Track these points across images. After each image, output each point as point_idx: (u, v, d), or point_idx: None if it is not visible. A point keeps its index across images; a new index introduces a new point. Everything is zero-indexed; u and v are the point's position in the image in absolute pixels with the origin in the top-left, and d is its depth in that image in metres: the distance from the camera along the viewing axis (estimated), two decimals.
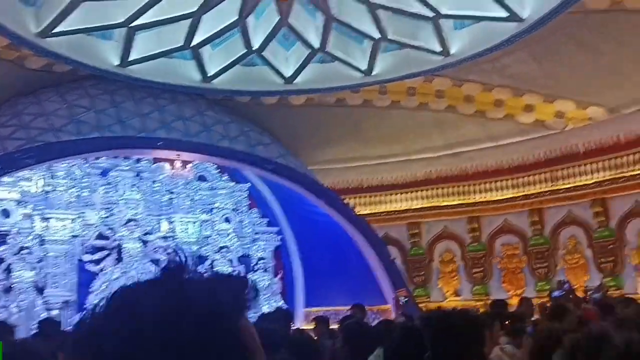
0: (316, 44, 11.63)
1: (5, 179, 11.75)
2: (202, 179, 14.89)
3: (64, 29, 10.18)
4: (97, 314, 0.79)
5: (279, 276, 14.88)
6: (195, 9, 10.63)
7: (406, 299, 12.07)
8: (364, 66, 12.02)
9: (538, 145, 13.41)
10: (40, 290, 12.09)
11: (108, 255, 12.97)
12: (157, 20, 10.76)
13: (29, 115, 11.04)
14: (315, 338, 6.24)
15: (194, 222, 14.22)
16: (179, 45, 11.40)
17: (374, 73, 12.13)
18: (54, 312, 12.18)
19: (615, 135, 12.47)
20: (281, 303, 14.19)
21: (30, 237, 11.98)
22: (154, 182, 14.11)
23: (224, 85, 12.45)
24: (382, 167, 14.64)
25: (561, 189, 13.28)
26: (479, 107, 13.19)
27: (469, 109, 13.24)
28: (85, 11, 10.05)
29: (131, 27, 10.75)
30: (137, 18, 10.56)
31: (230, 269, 14.06)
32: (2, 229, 11.68)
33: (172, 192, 14.29)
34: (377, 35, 11.27)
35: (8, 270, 11.69)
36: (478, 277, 14.29)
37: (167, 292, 0.77)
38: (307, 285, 14.59)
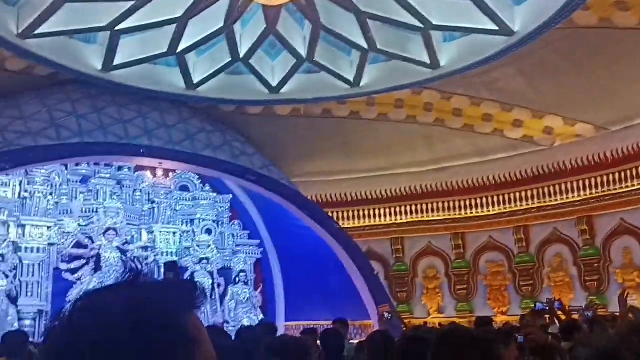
0: (303, 53, 11.48)
1: None
2: (184, 189, 14.68)
3: (46, 31, 9.93)
4: (62, 319, 0.84)
5: (260, 289, 14.64)
6: (180, 14, 10.44)
7: (390, 315, 11.84)
8: (351, 77, 11.89)
9: (526, 161, 13.34)
10: (13, 299, 11.71)
11: (86, 264, 12.66)
12: (141, 25, 10.55)
13: (6, 118, 10.73)
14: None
15: (175, 233, 13.98)
16: (163, 51, 11.19)
17: (361, 84, 12.01)
18: (27, 322, 11.81)
19: (602, 152, 12.43)
20: (261, 317, 13.92)
21: (4, 245, 11.62)
22: (134, 190, 13.89)
23: (208, 93, 12.26)
24: (367, 180, 14.48)
25: (548, 206, 13.19)
26: (467, 121, 13.10)
27: (457, 123, 13.14)
28: (69, 13, 9.81)
29: (116, 30, 10.52)
30: (121, 21, 10.34)
31: (210, 281, 13.80)
32: None
33: (153, 202, 14.07)
34: (365, 45, 11.16)
35: None
36: (462, 294, 14.12)
37: (126, 293, 0.85)
38: (288, 299, 14.35)
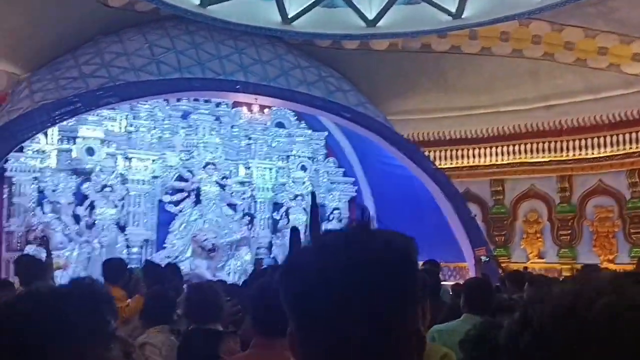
0: None
1: (90, 117, 12.04)
2: (280, 125, 14.77)
3: None
4: (308, 251, 1.02)
5: None
6: None
7: (487, 258, 11.48)
8: (453, 8, 11.20)
9: None
10: (121, 228, 12.46)
11: (187, 197, 13.18)
12: None
13: (110, 54, 11.11)
14: None
15: (271, 169, 14.17)
16: None
17: (464, 16, 11.31)
18: (134, 250, 12.57)
19: None
20: None
21: (113, 176, 12.28)
22: (232, 127, 14.13)
23: (304, 28, 12.05)
24: (467, 118, 13.83)
25: None
26: (579, 54, 12.04)
27: (568, 57, 12.11)
28: None
29: None
30: None
31: (304, 217, 13.98)
32: (87, 166, 12.02)
33: (250, 138, 14.28)
34: None
35: (91, 206, 12.08)
36: (565, 240, 13.39)
37: (367, 238, 1.00)
38: None
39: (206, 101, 13.77)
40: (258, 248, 13.85)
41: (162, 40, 11.59)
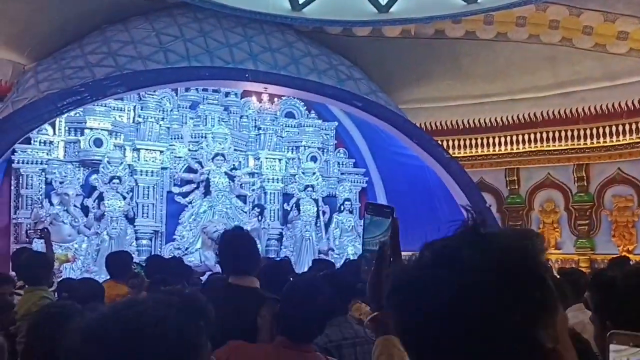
0: None
1: (98, 108, 11.86)
2: (289, 115, 14.55)
3: None
4: (415, 264, 1.00)
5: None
6: None
7: None
8: None
9: None
10: (130, 219, 12.31)
11: (196, 188, 13.00)
12: None
13: (117, 42, 10.89)
14: None
15: (280, 160, 13.97)
16: None
17: (479, 0, 10.99)
18: (144, 242, 12.43)
19: None
20: None
21: (121, 167, 12.11)
22: (241, 117, 13.94)
23: (314, 14, 11.75)
24: (481, 106, 13.52)
25: None
26: (598, 40, 11.68)
27: (587, 42, 11.76)
28: None
29: None
30: None
31: (315, 209, 13.77)
32: (95, 158, 11.86)
33: (259, 128, 14.09)
34: None
35: (100, 198, 11.93)
36: (583, 230, 13.08)
37: (480, 243, 0.98)
38: None
39: (215, 91, 13.56)
40: (268, 239, 13.66)
41: (170, 29, 11.35)
